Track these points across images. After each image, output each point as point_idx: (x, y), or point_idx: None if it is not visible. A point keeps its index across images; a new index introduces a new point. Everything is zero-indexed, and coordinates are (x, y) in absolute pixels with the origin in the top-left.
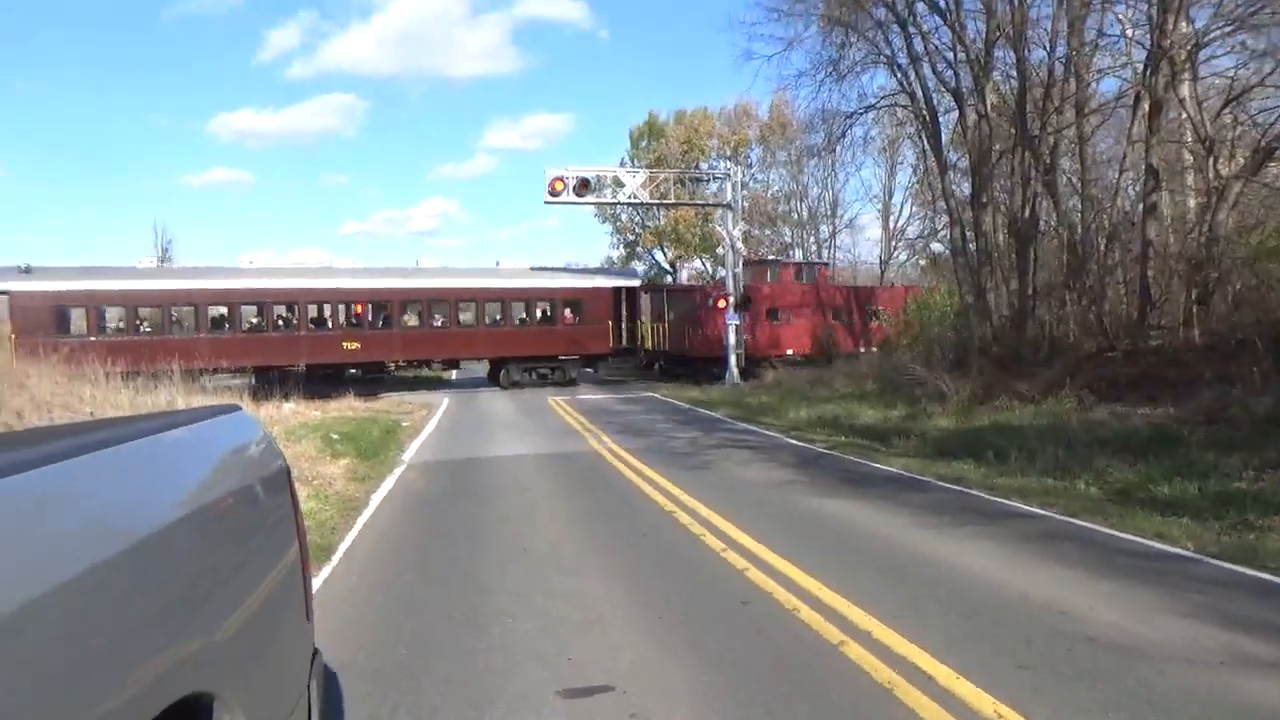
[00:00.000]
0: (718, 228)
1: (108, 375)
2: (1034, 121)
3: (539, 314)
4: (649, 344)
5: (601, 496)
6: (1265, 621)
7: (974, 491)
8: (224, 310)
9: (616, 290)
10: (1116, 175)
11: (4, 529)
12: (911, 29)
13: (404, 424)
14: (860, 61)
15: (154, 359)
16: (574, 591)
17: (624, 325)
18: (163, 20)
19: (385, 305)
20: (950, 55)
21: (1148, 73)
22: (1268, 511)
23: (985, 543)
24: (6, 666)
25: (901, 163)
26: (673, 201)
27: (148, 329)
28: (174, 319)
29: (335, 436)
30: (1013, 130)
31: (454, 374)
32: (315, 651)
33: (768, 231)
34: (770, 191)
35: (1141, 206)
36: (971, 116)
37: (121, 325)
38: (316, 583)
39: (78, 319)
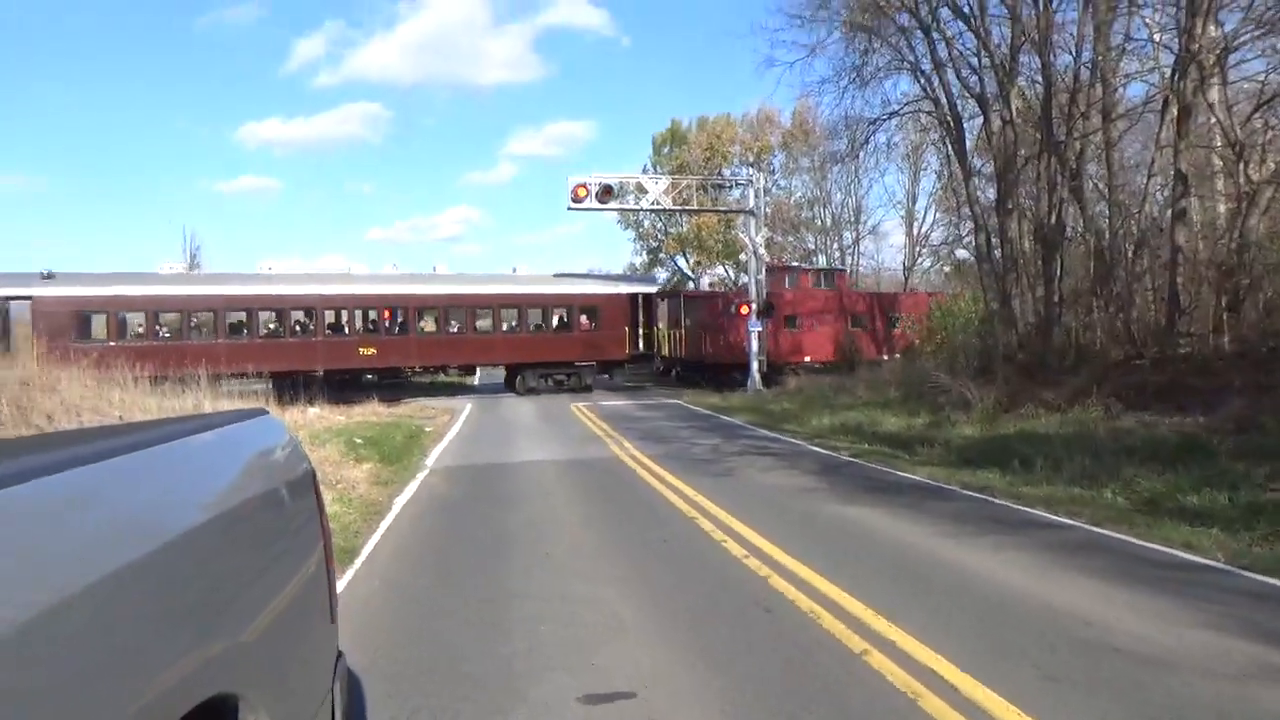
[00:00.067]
0: (740, 234)
1: (136, 380)
2: (1060, 127)
3: (555, 320)
4: (665, 350)
5: (623, 502)
6: None
7: (999, 500)
8: (242, 316)
9: (633, 297)
10: (1144, 181)
11: (36, 530)
12: (935, 35)
13: (427, 429)
14: (884, 67)
15: (172, 364)
16: (595, 597)
17: (640, 331)
18: (193, 31)
19: (401, 311)
20: (975, 61)
21: (1176, 77)
22: None
23: (1010, 552)
24: (40, 665)
25: (925, 169)
26: (695, 208)
27: (166, 334)
28: (193, 324)
29: (359, 441)
30: (1038, 136)
31: (476, 379)
32: (339, 654)
33: (791, 238)
34: (793, 198)
35: (1170, 212)
36: (996, 122)
37: (141, 330)
38: (339, 585)
39: (98, 324)
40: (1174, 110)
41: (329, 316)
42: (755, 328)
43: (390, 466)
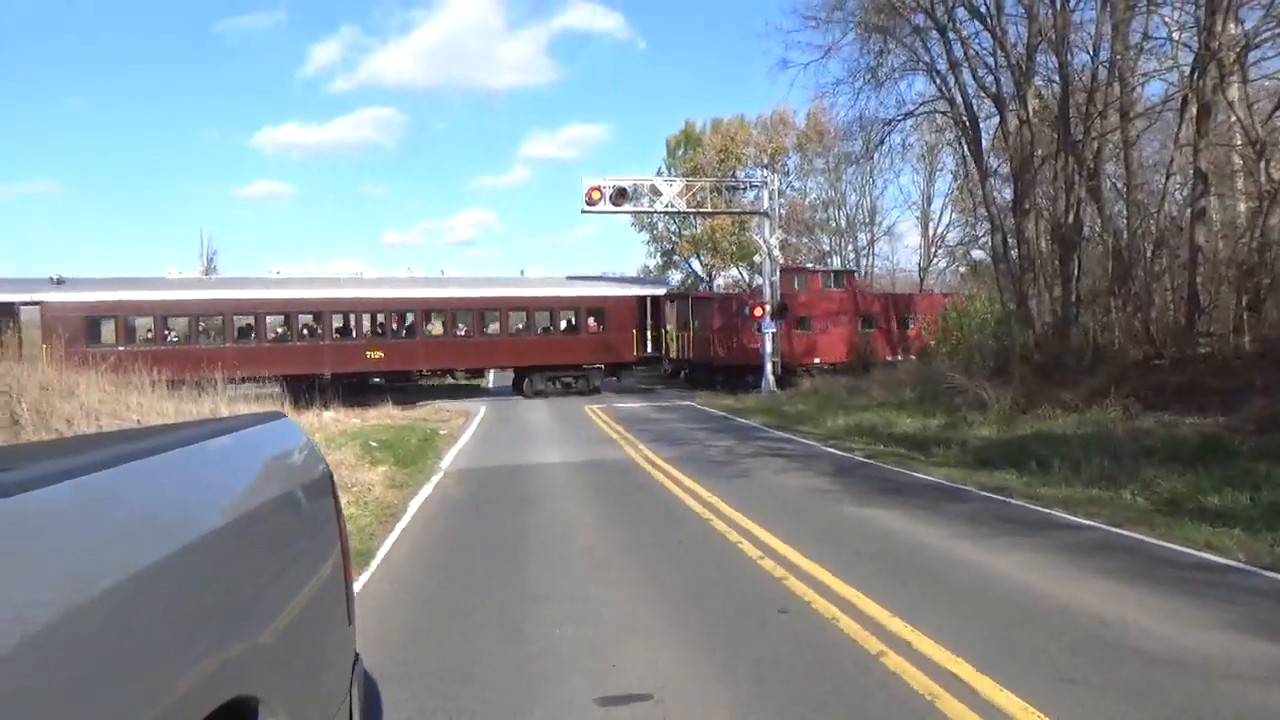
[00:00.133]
0: (755, 236)
1: (153, 384)
2: (1077, 126)
3: (563, 323)
4: (674, 352)
5: (638, 504)
6: None
7: (1016, 501)
8: (250, 320)
9: (641, 299)
10: (1163, 180)
11: (56, 533)
12: (951, 35)
13: (441, 431)
14: (899, 68)
15: (181, 368)
16: (611, 598)
17: (648, 334)
18: (210, 37)
19: (409, 314)
20: (991, 60)
21: (1195, 75)
22: None
23: (1028, 553)
24: (63, 666)
25: (941, 169)
26: (709, 210)
27: (175, 339)
28: (201, 329)
29: (374, 444)
30: (1055, 136)
31: (490, 382)
32: (356, 656)
33: (805, 239)
34: (808, 199)
35: (1189, 211)
36: (1013, 122)
37: (150, 335)
38: (355, 588)
39: (108, 329)
40: (1193, 109)
41: (336, 320)
42: (770, 329)
43: (405, 469)
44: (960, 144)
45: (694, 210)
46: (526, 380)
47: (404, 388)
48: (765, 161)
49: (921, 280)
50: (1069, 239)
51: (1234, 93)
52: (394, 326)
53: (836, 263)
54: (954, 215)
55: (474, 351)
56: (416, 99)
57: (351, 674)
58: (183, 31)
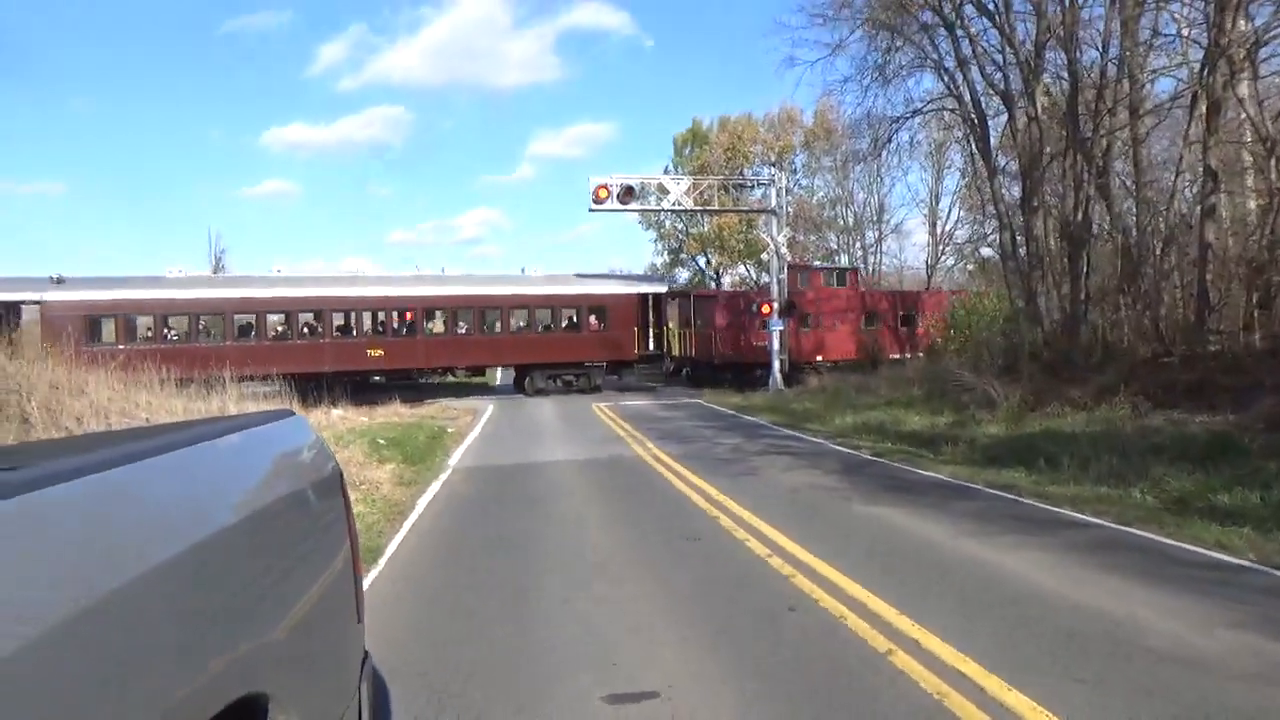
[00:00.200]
0: (762, 234)
1: (162, 382)
2: (1086, 124)
3: (564, 321)
4: (676, 350)
5: (646, 502)
6: None
7: (1025, 499)
8: (251, 318)
9: (642, 296)
10: (1173, 177)
11: (67, 532)
12: (959, 32)
13: (449, 429)
14: (906, 65)
15: (181, 367)
16: (619, 596)
17: (650, 331)
18: (217, 37)
19: (409, 312)
20: (999, 58)
21: (1205, 72)
22: None
23: (1036, 551)
24: (75, 663)
25: (949, 167)
26: (716, 208)
27: (175, 337)
28: (201, 327)
29: (382, 442)
30: (1064, 133)
31: (498, 379)
32: (365, 654)
33: (813, 237)
34: (815, 197)
35: (1199, 209)
36: (1021, 119)
37: (150, 334)
38: (364, 585)
39: (108, 328)
40: (1203, 106)
41: (337, 318)
42: (777, 326)
43: (413, 467)
44: (968, 141)
45: (701, 208)
46: (528, 378)
47: (410, 386)
48: (772, 159)
49: (929, 278)
50: (1078, 236)
51: (1244, 89)
52: (394, 325)
53: (844, 260)
54: (962, 213)
55: (475, 350)
56: (423, 98)
57: (361, 671)
58: (190, 32)
